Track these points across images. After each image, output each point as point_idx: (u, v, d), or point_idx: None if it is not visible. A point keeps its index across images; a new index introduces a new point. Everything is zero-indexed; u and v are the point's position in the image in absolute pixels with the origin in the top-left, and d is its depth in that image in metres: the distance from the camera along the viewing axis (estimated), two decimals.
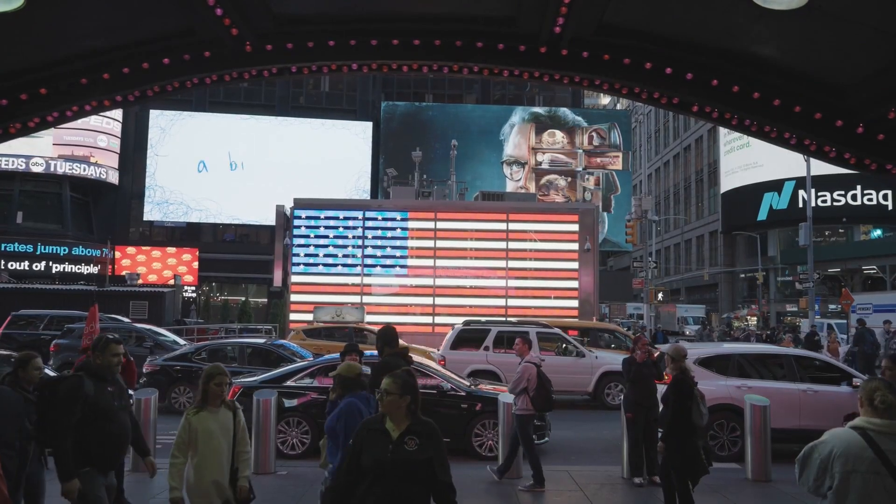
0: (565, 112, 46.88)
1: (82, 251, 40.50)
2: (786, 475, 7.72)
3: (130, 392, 8.03)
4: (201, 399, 4.68)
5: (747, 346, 15.93)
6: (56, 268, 39.08)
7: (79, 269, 39.83)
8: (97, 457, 4.62)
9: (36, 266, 38.81)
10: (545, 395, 8.06)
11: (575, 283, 22.77)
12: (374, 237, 23.35)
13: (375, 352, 6.90)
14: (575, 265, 22.83)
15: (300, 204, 23.89)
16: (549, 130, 46.67)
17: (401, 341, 6.66)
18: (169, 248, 43.85)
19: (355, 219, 23.53)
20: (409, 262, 23.16)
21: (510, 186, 44.86)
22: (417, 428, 3.57)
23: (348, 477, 3.59)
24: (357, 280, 23.14)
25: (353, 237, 23.40)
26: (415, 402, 3.62)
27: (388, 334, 6.57)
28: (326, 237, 23.42)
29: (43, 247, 39.25)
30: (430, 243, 23.20)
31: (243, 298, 40.45)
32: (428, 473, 3.51)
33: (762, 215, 48.14)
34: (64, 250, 39.78)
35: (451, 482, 3.57)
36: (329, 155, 44.20)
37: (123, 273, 38.53)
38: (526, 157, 46.42)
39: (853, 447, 3.26)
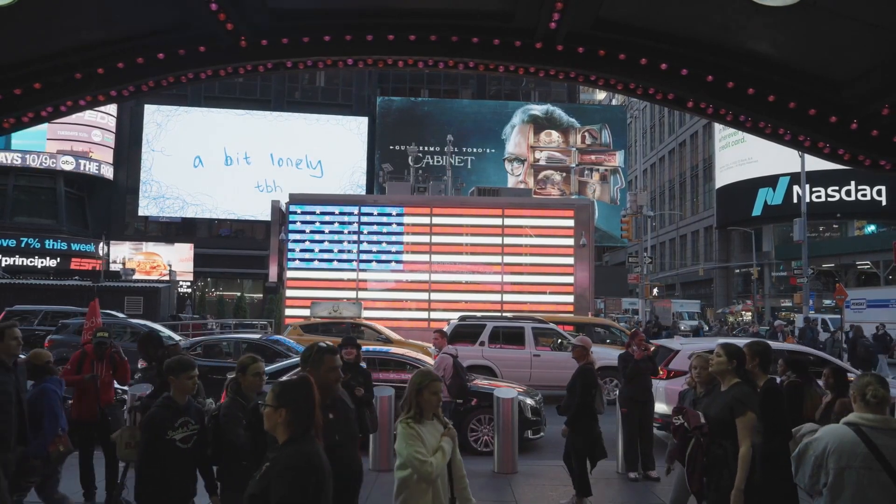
0: (560, 114, 47.72)
1: (77, 247, 40.37)
2: None
3: (135, 391, 7.98)
4: (416, 411, 3.77)
5: (741, 341, 15.96)
6: (51, 263, 38.97)
7: (73, 264, 39.71)
8: None
9: (30, 261, 38.70)
10: (460, 383, 8.67)
11: (570, 279, 22.76)
12: (369, 232, 23.29)
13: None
14: (570, 260, 22.82)
15: (296, 199, 23.84)
16: (546, 130, 47.55)
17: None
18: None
19: (351, 214, 23.48)
20: (405, 257, 23.12)
21: (511, 181, 45.48)
22: (278, 453, 2.77)
23: None
24: (353, 275, 23.11)
25: (349, 232, 23.34)
26: (298, 419, 2.76)
27: (155, 337, 7.71)
28: (322, 232, 23.37)
29: (37, 242, 39.14)
30: (425, 238, 23.18)
31: (239, 294, 40.41)
32: None
33: (757, 211, 48.29)
34: (58, 245, 39.65)
35: None
36: (325, 150, 44.24)
37: (118, 268, 38.43)
38: (525, 155, 47.15)
39: (846, 443, 3.26)
